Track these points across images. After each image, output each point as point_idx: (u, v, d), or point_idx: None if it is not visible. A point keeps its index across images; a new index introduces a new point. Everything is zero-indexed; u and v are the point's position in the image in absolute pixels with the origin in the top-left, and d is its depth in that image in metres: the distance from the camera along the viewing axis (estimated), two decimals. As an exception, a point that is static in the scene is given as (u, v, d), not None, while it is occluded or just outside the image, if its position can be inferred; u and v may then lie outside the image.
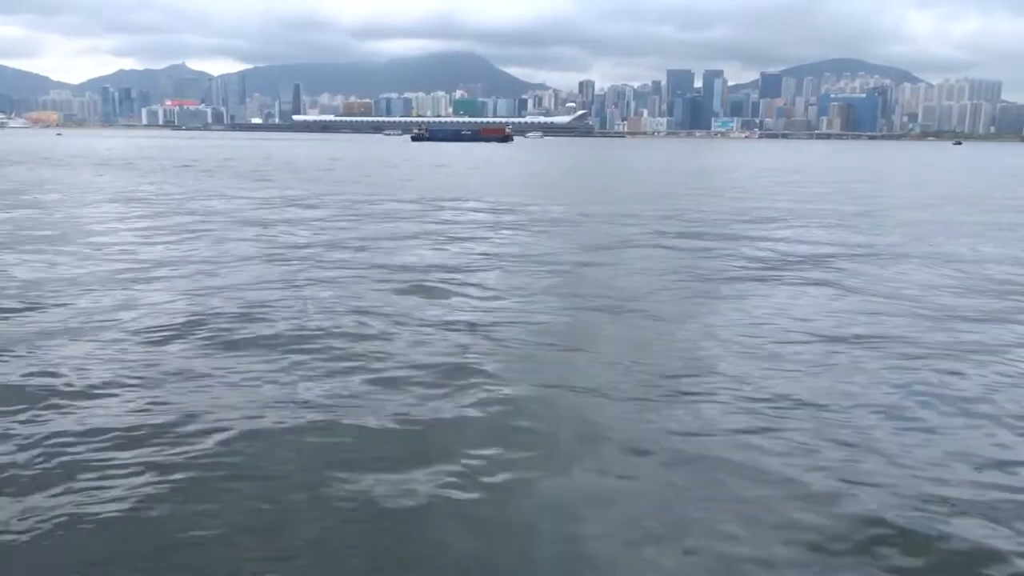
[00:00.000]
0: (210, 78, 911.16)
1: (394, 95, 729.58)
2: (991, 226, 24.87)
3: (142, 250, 17.31)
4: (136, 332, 10.23)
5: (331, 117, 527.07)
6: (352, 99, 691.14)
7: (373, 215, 25.43)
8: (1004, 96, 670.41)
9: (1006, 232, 23.45)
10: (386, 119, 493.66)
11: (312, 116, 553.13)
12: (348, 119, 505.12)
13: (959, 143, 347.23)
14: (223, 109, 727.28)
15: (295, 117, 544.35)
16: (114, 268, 14.91)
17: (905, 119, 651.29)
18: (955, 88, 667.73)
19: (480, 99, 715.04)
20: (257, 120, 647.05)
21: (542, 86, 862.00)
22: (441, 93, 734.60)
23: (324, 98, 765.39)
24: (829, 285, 14.36)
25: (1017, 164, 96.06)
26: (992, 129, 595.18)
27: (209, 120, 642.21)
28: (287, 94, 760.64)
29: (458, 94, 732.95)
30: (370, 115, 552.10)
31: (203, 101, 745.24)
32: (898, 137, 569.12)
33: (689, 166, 77.73)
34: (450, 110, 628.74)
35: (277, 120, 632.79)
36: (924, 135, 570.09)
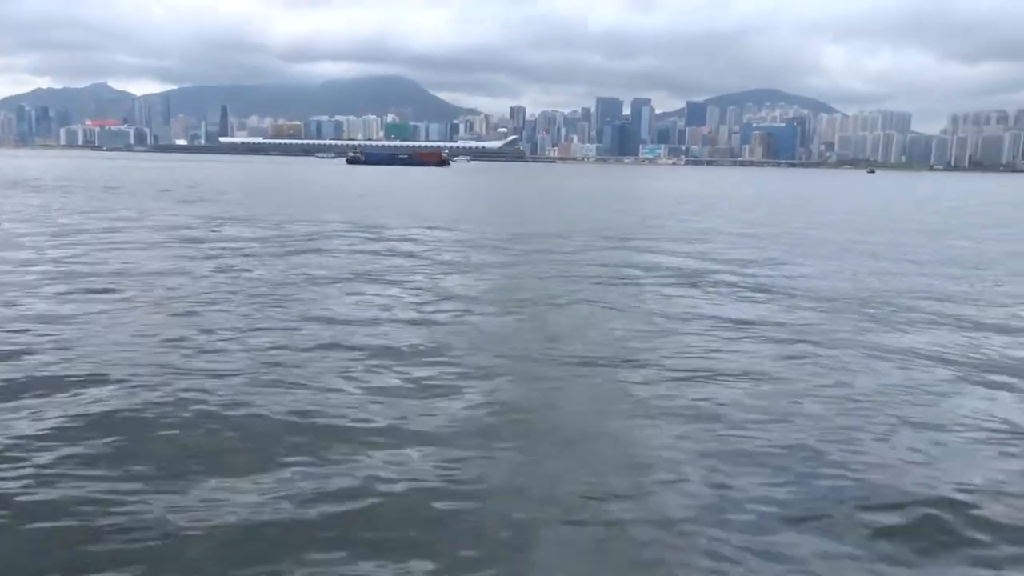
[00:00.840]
0: (133, 98, 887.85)
1: (325, 118, 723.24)
2: (856, 243, 27.16)
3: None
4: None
5: (260, 139, 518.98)
6: (281, 121, 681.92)
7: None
8: (914, 127, 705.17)
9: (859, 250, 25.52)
10: (316, 142, 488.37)
11: (240, 138, 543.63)
12: (277, 141, 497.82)
13: (872, 171, 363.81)
14: (147, 130, 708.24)
15: (222, 139, 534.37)
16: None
17: (822, 148, 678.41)
18: (869, 119, 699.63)
19: (412, 123, 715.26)
20: (182, 142, 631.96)
21: (473, 111, 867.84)
22: (372, 116, 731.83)
23: (252, 120, 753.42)
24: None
25: (919, 191, 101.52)
26: (903, 158, 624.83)
27: (132, 141, 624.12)
28: (214, 115, 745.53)
29: (390, 118, 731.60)
30: (300, 138, 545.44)
31: (125, 121, 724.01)
32: (816, 165, 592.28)
33: (638, 192, 78.62)
34: (381, 134, 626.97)
35: (203, 142, 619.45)
36: (840, 163, 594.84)
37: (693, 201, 58.69)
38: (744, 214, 45.45)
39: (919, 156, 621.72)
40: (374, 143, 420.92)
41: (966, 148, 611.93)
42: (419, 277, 17.63)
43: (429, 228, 29.82)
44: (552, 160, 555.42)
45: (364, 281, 16.94)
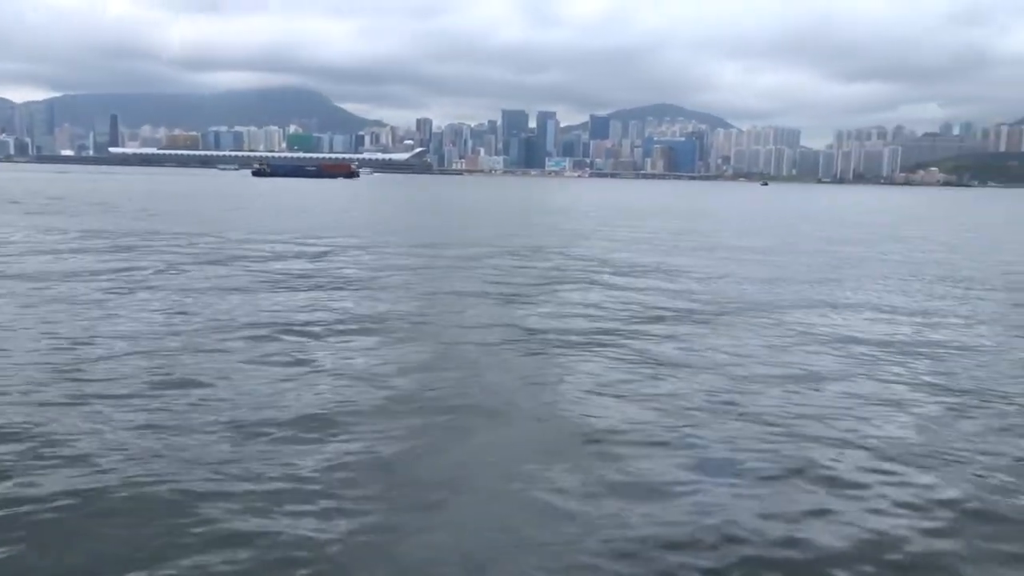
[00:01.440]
0: (12, 105, 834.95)
1: (223, 128, 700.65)
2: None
3: None
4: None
5: (153, 150, 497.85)
6: (177, 132, 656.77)
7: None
8: (803, 142, 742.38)
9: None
10: (215, 153, 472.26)
11: (132, 148, 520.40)
12: (172, 152, 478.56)
13: (766, 184, 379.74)
14: (28, 140, 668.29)
15: (112, 149, 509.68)
16: None
17: (720, 161, 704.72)
18: (761, 134, 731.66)
19: (316, 134, 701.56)
20: (68, 152, 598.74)
21: (379, 123, 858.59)
22: (274, 127, 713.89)
23: (145, 130, 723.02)
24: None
25: (805, 203, 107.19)
26: (794, 171, 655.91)
27: (12, 151, 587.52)
28: (103, 125, 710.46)
29: (292, 129, 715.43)
30: (197, 149, 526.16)
31: (3, 131, 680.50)
32: (714, 178, 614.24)
33: (554, 204, 79.10)
34: (284, 145, 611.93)
35: (91, 153, 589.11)
36: (736, 176, 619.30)
37: (626, 213, 59.29)
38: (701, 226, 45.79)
39: (808, 169, 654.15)
40: (277, 155, 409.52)
41: (850, 162, 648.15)
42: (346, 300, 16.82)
43: (342, 242, 28.56)
44: (460, 172, 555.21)
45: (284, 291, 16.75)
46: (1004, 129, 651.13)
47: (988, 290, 20.34)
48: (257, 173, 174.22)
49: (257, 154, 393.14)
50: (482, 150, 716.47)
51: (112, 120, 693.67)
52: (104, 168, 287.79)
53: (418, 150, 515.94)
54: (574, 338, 13.06)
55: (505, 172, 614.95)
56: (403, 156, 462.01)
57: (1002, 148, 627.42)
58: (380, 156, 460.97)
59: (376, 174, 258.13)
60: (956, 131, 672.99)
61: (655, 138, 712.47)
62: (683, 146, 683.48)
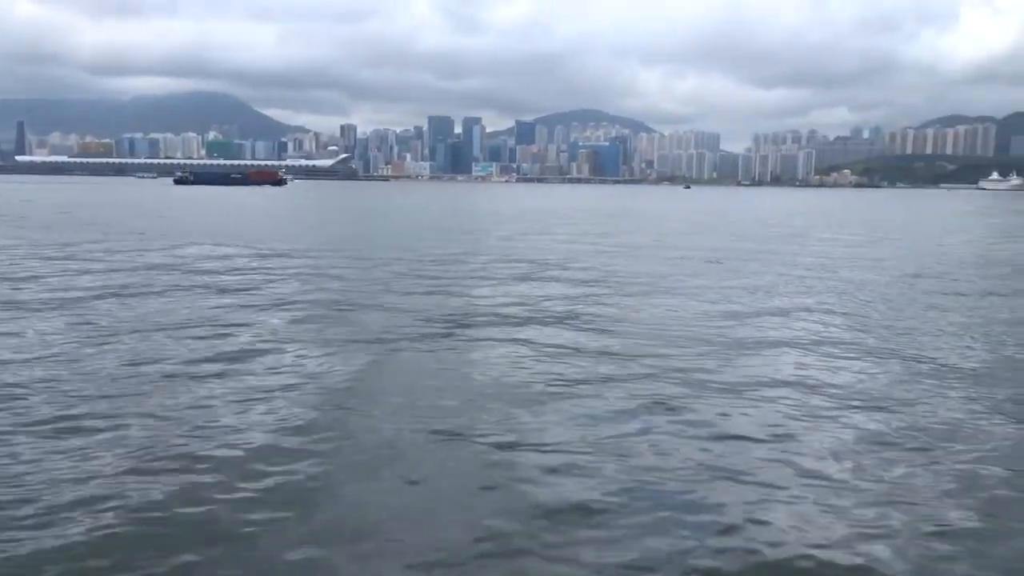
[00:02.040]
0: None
1: (139, 135, 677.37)
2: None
3: None
4: None
5: (64, 158, 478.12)
6: (89, 139, 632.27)
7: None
8: (722, 146, 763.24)
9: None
10: (130, 161, 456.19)
11: (40, 156, 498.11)
12: (84, 160, 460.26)
13: (688, 187, 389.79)
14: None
15: (18, 158, 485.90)
16: None
17: (643, 165, 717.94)
18: (683, 138, 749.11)
19: (236, 141, 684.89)
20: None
21: (302, 129, 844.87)
22: (192, 134, 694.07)
23: (55, 137, 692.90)
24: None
25: (716, 203, 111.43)
26: (714, 174, 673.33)
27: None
28: (8, 132, 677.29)
29: (211, 135, 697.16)
30: (111, 156, 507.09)
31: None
32: (639, 181, 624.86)
33: (491, 208, 79.43)
34: (203, 152, 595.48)
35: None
36: (660, 180, 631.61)
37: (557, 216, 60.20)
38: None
39: (728, 172, 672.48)
40: (198, 162, 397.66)
41: (768, 165, 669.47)
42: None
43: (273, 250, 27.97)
44: (386, 178, 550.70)
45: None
46: (910, 132, 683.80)
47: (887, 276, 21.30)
48: (179, 181, 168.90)
49: (175, 161, 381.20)
50: (408, 156, 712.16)
51: (18, 127, 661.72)
52: (10, 177, 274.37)
53: (343, 156, 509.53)
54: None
55: (432, 178, 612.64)
56: (327, 163, 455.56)
57: (908, 150, 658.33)
58: (304, 163, 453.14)
59: (299, 181, 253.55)
60: (866, 135, 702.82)
61: (580, 143, 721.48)
62: (608, 150, 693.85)
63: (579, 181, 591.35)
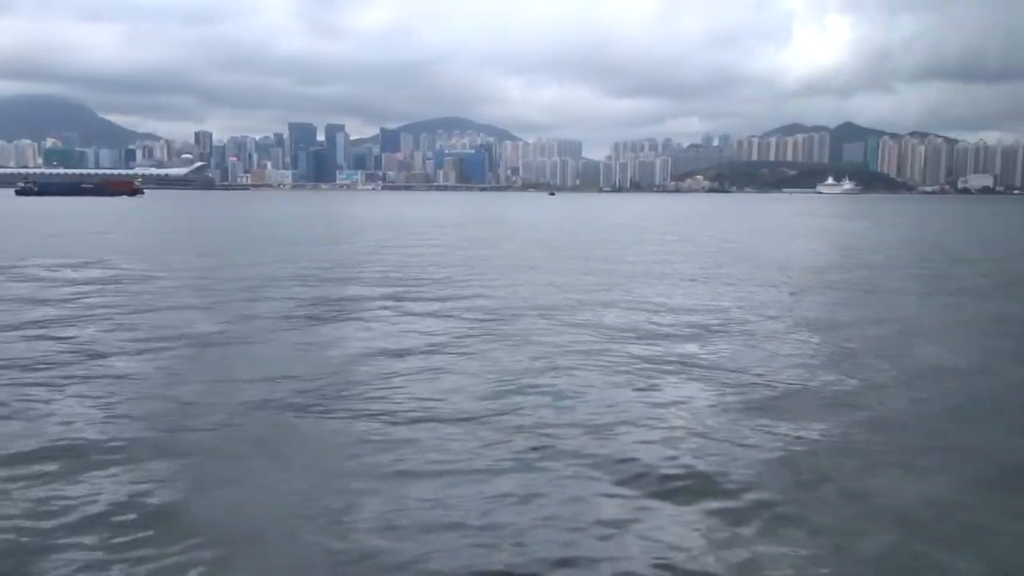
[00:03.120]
0: None
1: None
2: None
3: None
4: None
5: None
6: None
7: None
8: (584, 154, 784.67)
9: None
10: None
11: None
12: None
13: (553, 193, 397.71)
14: None
15: None
16: None
17: (509, 172, 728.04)
18: (546, 146, 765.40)
19: (78, 148, 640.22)
20: None
21: (152, 136, 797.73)
22: (27, 141, 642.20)
23: None
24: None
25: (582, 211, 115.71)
26: (578, 181, 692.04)
27: None
28: None
29: (49, 142, 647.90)
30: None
31: None
32: (504, 188, 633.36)
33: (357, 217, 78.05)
34: (40, 160, 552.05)
35: None
36: (526, 186, 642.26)
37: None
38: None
39: (590, 179, 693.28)
40: (35, 171, 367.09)
41: (627, 172, 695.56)
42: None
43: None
44: (246, 187, 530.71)
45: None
46: (755, 141, 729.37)
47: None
48: (22, 192, 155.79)
49: (10, 171, 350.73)
50: (269, 164, 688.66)
51: None
52: None
53: (198, 164, 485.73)
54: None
55: (295, 186, 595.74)
56: (182, 171, 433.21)
57: (754, 157, 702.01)
58: (155, 171, 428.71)
59: (152, 191, 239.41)
60: (716, 143, 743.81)
61: (446, 150, 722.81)
62: (473, 158, 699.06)
63: (446, 188, 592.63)
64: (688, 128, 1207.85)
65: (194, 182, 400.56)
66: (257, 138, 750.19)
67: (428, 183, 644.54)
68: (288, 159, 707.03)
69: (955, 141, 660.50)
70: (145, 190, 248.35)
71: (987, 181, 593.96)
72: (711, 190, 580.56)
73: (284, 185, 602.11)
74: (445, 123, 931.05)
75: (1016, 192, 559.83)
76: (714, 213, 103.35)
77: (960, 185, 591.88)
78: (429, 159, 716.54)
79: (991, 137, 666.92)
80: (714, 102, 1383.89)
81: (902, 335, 16.07)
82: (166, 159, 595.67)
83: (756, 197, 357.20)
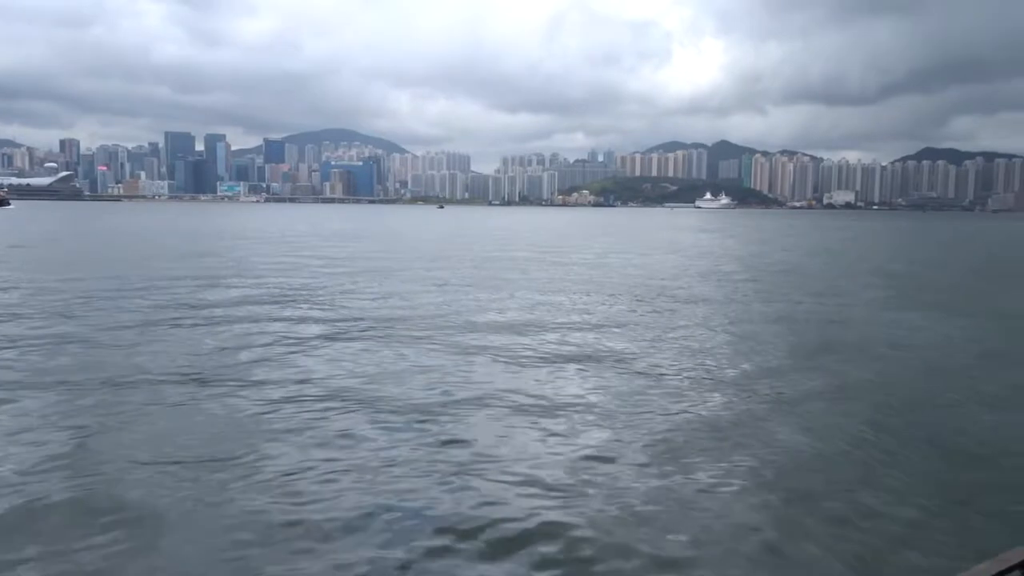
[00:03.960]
0: None
1: None
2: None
3: None
4: None
5: None
6: None
7: None
8: (473, 167, 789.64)
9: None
10: None
11: None
12: None
13: (442, 207, 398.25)
14: None
15: None
16: None
17: (398, 185, 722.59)
18: (435, 159, 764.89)
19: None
20: None
21: (12, 143, 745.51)
22: None
23: None
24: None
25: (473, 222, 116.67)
26: (467, 195, 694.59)
27: None
28: None
29: None
30: None
31: None
32: (393, 201, 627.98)
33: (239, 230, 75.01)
34: None
35: None
36: (415, 199, 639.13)
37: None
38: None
39: (480, 192, 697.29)
40: None
41: (516, 185, 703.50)
42: None
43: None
44: (117, 198, 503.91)
45: None
46: (638, 156, 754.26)
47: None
48: None
49: None
50: (143, 174, 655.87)
51: None
52: None
53: (64, 174, 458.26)
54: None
55: (171, 198, 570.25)
56: (45, 181, 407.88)
57: (637, 172, 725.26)
58: (16, 181, 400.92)
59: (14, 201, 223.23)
60: (601, 158, 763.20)
61: (333, 162, 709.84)
62: (361, 170, 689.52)
63: (333, 201, 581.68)
64: (574, 143, 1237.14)
65: (60, 192, 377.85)
66: (130, 147, 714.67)
67: (315, 195, 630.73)
68: (164, 169, 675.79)
69: (820, 159, 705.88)
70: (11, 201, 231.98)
71: (849, 197, 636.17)
72: (597, 204, 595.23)
73: (160, 196, 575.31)
74: (332, 135, 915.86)
75: (875, 207, 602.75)
76: (601, 226, 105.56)
77: (825, 200, 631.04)
78: (315, 171, 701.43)
79: (852, 156, 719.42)
80: (598, 118, 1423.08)
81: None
82: (27, 168, 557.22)
83: (640, 211, 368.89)
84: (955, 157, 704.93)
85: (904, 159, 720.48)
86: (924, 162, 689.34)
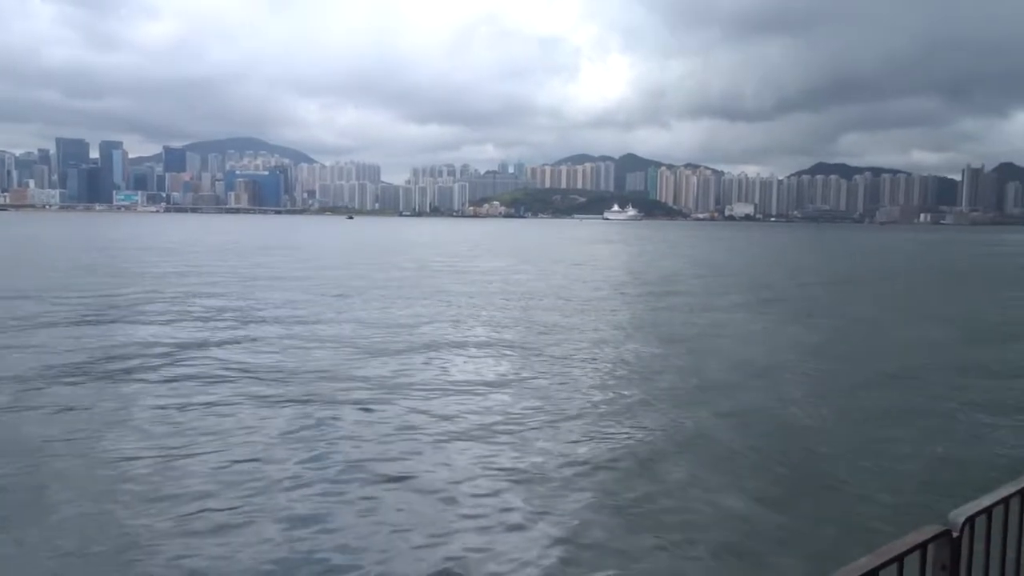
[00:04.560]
0: None
1: None
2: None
3: None
4: None
5: None
6: None
7: None
8: (383, 178, 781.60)
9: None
10: None
11: None
12: None
13: (351, 217, 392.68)
14: None
15: None
16: None
17: (305, 195, 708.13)
18: (344, 169, 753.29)
19: None
20: None
21: None
22: None
23: None
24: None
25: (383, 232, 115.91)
26: (377, 205, 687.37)
27: None
28: None
29: None
30: None
31: None
32: (301, 211, 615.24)
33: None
34: None
35: None
36: (323, 210, 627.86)
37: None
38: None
39: (390, 203, 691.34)
40: None
41: (427, 196, 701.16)
42: None
43: None
44: (4, 208, 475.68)
45: None
46: (547, 168, 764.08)
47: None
48: None
49: None
50: (31, 182, 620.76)
51: None
52: None
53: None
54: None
55: (63, 207, 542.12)
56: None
57: (547, 184, 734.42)
58: None
59: None
60: (511, 170, 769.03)
61: (237, 171, 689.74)
62: (267, 180, 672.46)
63: (238, 211, 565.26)
64: (484, 155, 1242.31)
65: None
66: (17, 153, 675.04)
67: (218, 205, 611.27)
68: (55, 177, 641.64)
69: (722, 173, 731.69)
70: None
71: (748, 209, 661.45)
72: (507, 215, 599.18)
73: (51, 206, 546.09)
74: (237, 143, 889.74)
75: (773, 219, 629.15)
76: (511, 237, 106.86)
77: (727, 212, 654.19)
78: (219, 180, 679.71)
79: (751, 170, 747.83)
80: (508, 131, 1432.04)
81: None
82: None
83: (551, 222, 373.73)
84: (846, 172, 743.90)
85: (799, 173, 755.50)
86: (818, 176, 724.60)
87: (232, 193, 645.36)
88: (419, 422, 12.67)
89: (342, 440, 11.71)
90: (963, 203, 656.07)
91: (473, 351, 19.18)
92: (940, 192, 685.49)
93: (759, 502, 9.20)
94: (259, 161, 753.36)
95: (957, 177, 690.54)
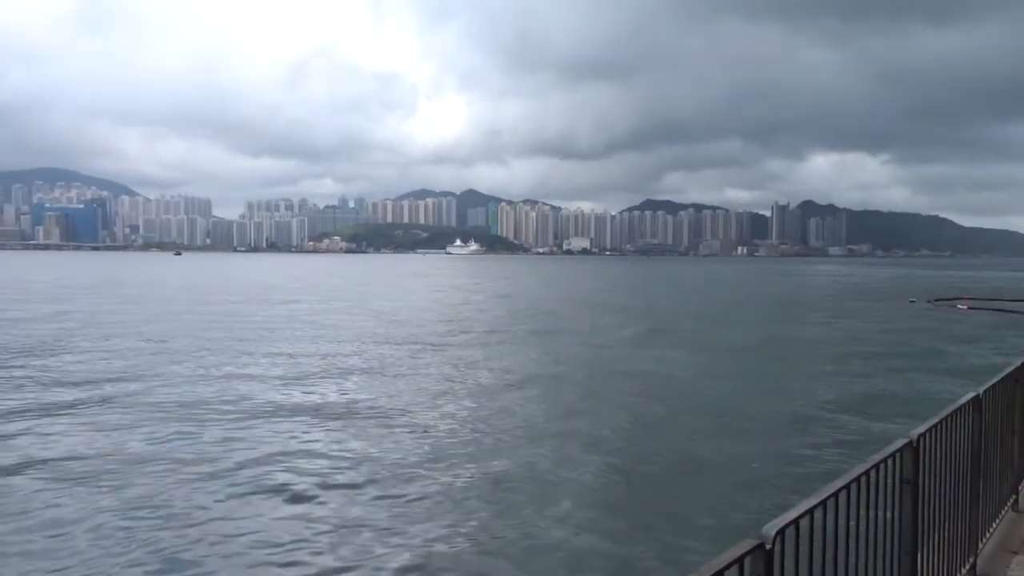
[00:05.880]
0: None
1: None
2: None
3: None
4: None
5: None
6: None
7: None
8: (215, 212, 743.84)
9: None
10: None
11: None
12: None
13: (179, 253, 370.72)
14: None
15: None
16: None
17: (127, 230, 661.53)
18: (172, 203, 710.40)
19: None
20: None
21: None
22: None
23: None
24: None
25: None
26: (208, 241, 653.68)
27: None
28: None
29: None
30: None
31: None
32: (123, 248, 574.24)
33: None
34: None
35: None
36: (148, 246, 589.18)
37: None
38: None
39: (223, 238, 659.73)
40: None
41: (263, 231, 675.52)
42: None
43: None
44: None
45: None
46: (389, 203, 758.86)
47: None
48: None
49: None
50: None
51: None
52: None
53: None
54: None
55: None
56: None
57: (389, 219, 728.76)
58: None
59: None
60: (352, 204, 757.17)
61: (47, 204, 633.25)
62: (83, 213, 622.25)
63: (48, 247, 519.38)
64: (324, 189, 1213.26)
65: None
66: None
67: (24, 241, 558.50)
68: None
69: (559, 208, 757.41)
70: None
71: (585, 243, 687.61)
72: (348, 250, 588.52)
73: None
74: (45, 174, 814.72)
75: (607, 253, 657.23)
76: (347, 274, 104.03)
77: (565, 247, 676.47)
78: (25, 214, 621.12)
79: (586, 206, 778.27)
80: (347, 165, 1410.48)
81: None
82: None
83: (393, 257, 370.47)
84: (671, 208, 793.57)
85: (630, 209, 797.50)
86: (647, 212, 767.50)
87: (41, 228, 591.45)
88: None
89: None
90: (773, 236, 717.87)
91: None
92: (754, 227, 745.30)
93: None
94: (73, 193, 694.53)
95: (767, 213, 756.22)
